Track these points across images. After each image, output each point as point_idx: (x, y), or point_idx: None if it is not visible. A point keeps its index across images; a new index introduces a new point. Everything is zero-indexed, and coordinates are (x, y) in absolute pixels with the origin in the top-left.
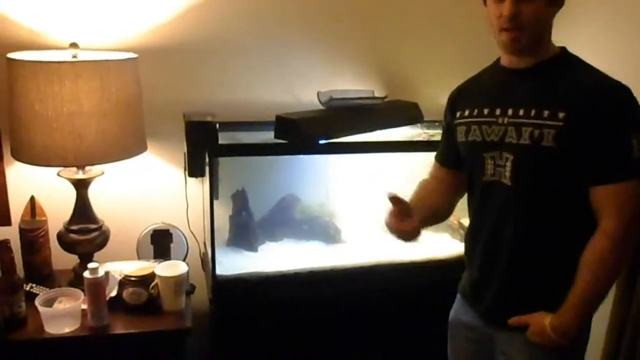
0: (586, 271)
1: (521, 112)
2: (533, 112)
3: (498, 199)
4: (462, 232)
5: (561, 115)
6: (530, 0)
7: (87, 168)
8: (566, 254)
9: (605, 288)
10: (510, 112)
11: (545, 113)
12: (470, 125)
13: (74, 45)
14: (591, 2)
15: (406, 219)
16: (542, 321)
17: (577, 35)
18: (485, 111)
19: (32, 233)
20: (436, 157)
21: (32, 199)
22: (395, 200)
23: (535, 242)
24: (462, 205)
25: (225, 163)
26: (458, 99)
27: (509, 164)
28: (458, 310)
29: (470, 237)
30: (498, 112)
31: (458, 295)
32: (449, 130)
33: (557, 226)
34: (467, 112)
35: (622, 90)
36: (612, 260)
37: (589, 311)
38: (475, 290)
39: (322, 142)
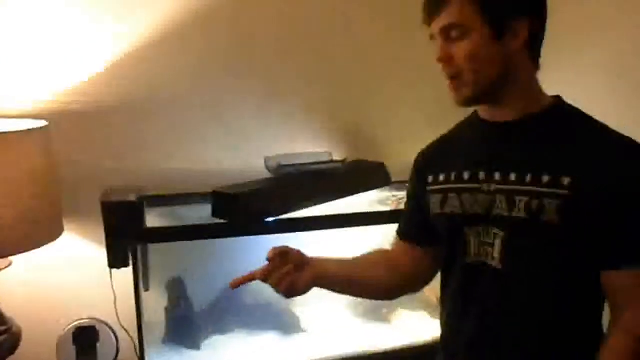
0: None
1: (513, 177)
2: (529, 178)
3: (484, 286)
4: None
5: (566, 181)
6: (461, 37)
7: None
8: (576, 350)
9: None
10: (497, 176)
11: (545, 179)
12: (446, 194)
13: None
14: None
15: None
16: None
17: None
18: (466, 175)
19: None
20: (398, 233)
21: None
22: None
23: (534, 339)
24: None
25: (157, 248)
26: (428, 162)
27: (498, 241)
28: None
29: (449, 328)
30: (482, 176)
31: None
32: (415, 200)
33: (560, 319)
34: (441, 177)
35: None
36: None
37: None
38: None
39: (268, 220)
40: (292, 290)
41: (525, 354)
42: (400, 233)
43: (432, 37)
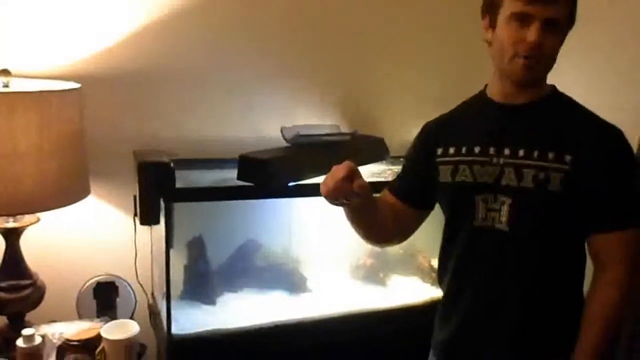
0: (595, 325)
1: (521, 153)
2: (536, 154)
3: (491, 246)
4: (433, 274)
5: (567, 158)
6: (555, 31)
7: (19, 215)
8: (567, 304)
9: (615, 341)
10: (507, 151)
11: (550, 155)
12: (457, 165)
13: (4, 72)
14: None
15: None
16: None
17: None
18: (476, 149)
19: None
20: (390, 188)
21: None
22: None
23: (533, 293)
24: (432, 244)
25: (181, 207)
26: (437, 135)
27: (505, 207)
28: None
29: (452, 287)
30: (492, 151)
31: (432, 357)
32: (415, 164)
33: (556, 275)
34: (451, 150)
35: (621, 133)
36: (622, 311)
37: None
38: (459, 352)
39: (290, 184)
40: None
41: (523, 304)
42: (396, 191)
43: (514, 16)
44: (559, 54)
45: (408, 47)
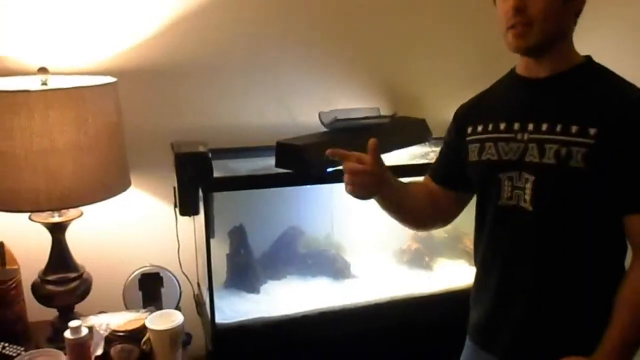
0: (625, 311)
1: (544, 127)
2: (559, 128)
3: (515, 226)
4: None
5: (592, 131)
6: None
7: (64, 210)
8: (596, 289)
9: None
10: (530, 127)
11: (574, 129)
12: (484, 143)
13: (43, 70)
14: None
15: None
16: None
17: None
18: (502, 126)
19: (3, 285)
20: (430, 173)
21: (1, 245)
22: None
23: (559, 276)
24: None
25: (220, 197)
26: (467, 115)
27: (529, 185)
28: (468, 358)
29: (480, 270)
30: (516, 126)
31: (467, 341)
32: (451, 148)
33: (584, 258)
34: (479, 128)
35: None
36: None
37: (629, 355)
38: (489, 333)
39: (330, 170)
40: (362, 188)
41: (552, 288)
42: (434, 175)
43: None
44: None
45: (448, 26)
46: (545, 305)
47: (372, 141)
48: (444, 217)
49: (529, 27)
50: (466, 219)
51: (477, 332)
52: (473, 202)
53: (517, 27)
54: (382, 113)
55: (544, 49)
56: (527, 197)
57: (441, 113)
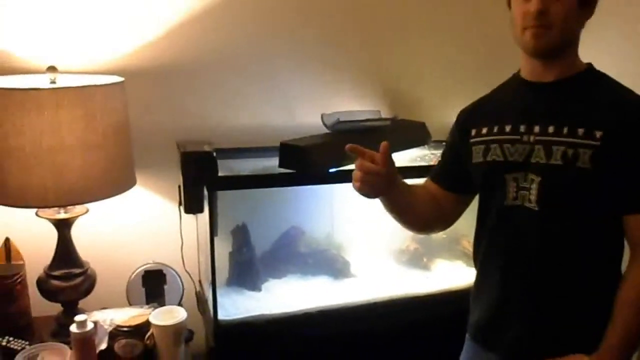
0: (627, 309)
1: (551, 130)
2: (565, 130)
3: (519, 226)
4: None
5: (598, 134)
6: None
7: (70, 207)
8: (597, 287)
9: None
10: (537, 129)
11: (580, 131)
12: (489, 144)
13: (52, 68)
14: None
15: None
16: None
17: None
18: (507, 128)
19: (8, 280)
20: (432, 176)
21: (7, 240)
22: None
23: (561, 273)
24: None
25: (224, 196)
26: (471, 117)
27: (534, 186)
28: (469, 357)
29: (482, 269)
30: (522, 129)
31: (468, 340)
32: (453, 151)
33: (585, 255)
34: (484, 130)
35: None
36: None
37: (630, 352)
38: (491, 332)
39: (332, 170)
40: (371, 187)
41: (552, 287)
42: (436, 178)
43: None
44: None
45: (448, 31)
46: (548, 302)
47: (384, 144)
48: (444, 219)
49: (549, 29)
50: (466, 221)
51: (479, 331)
52: (476, 205)
53: (538, 29)
54: (383, 116)
55: (557, 52)
56: (533, 197)
57: (441, 117)
